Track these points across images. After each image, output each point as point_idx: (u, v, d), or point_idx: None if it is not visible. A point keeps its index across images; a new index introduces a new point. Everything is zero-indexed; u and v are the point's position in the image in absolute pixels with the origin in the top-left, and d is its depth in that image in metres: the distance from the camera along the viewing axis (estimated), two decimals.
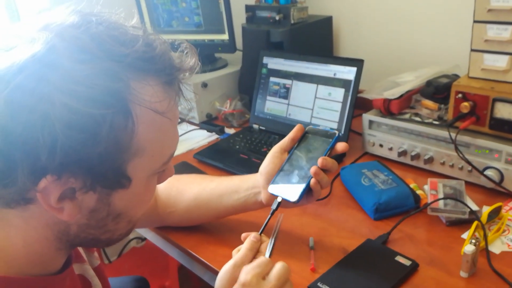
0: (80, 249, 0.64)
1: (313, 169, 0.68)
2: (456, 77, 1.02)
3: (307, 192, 0.70)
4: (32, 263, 0.49)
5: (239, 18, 1.40)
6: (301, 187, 0.69)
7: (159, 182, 0.55)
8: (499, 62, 0.91)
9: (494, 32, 0.90)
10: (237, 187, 0.78)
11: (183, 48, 0.50)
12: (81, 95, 0.40)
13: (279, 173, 0.72)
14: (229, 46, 1.40)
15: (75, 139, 0.40)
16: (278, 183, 0.71)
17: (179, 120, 1.44)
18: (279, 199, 0.69)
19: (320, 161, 0.69)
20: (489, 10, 0.88)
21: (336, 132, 0.73)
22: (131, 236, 1.83)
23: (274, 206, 0.69)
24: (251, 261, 0.59)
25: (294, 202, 0.69)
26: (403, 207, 0.87)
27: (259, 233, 0.63)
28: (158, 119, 0.46)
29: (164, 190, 0.84)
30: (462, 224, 0.82)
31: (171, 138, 0.50)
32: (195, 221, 0.86)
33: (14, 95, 0.39)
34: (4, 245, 0.47)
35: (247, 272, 0.56)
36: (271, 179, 0.72)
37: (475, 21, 0.91)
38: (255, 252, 0.61)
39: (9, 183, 0.42)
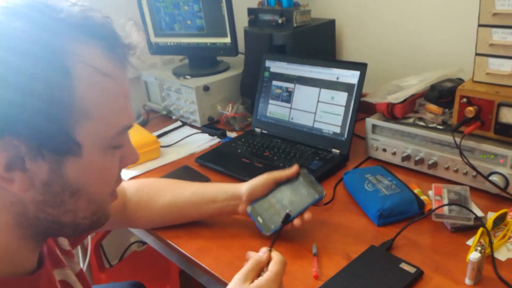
0: (58, 253, 0.63)
1: (297, 222, 0.79)
2: (460, 81, 1.01)
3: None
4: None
5: (242, 21, 1.39)
6: (275, 225, 0.80)
7: (122, 165, 0.54)
8: (504, 66, 0.90)
9: (499, 36, 0.89)
10: (214, 196, 0.82)
11: (129, 25, 0.51)
12: (16, 49, 0.41)
13: (262, 199, 0.83)
14: (231, 50, 1.40)
15: (11, 95, 0.40)
16: (257, 208, 0.82)
17: (181, 123, 1.45)
18: (287, 211, 0.79)
19: (306, 216, 0.79)
20: (494, 14, 0.87)
21: (324, 193, 0.81)
22: (132, 239, 1.82)
23: (281, 220, 0.79)
24: (257, 274, 0.64)
25: (264, 234, 0.80)
26: (408, 213, 0.86)
27: (269, 248, 0.67)
28: (101, 79, 0.46)
29: (133, 195, 0.85)
30: (467, 230, 0.80)
31: (120, 106, 0.49)
32: (167, 224, 0.88)
33: None
34: None
35: None
36: (252, 199, 0.81)
37: (480, 25, 0.90)
38: (263, 266, 0.64)
39: None
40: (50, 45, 0.42)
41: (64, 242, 0.67)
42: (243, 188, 0.81)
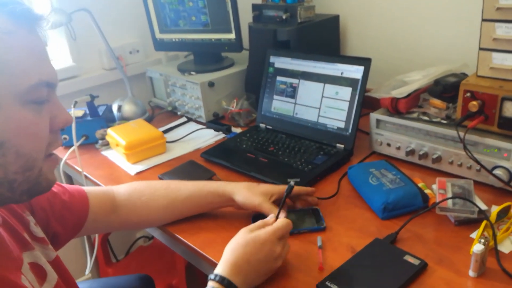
0: (27, 236, 0.64)
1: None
2: (464, 76, 1.02)
3: None
4: None
5: (246, 17, 1.40)
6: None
7: (55, 125, 0.57)
8: (508, 60, 0.90)
9: (502, 30, 0.89)
10: (211, 199, 0.88)
11: None
12: None
13: None
14: (236, 45, 1.40)
15: None
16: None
17: (186, 119, 1.46)
18: (292, 183, 0.82)
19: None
20: (498, 9, 0.88)
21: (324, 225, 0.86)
22: (138, 235, 1.84)
23: (288, 190, 0.82)
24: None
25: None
26: (412, 206, 0.86)
27: (276, 216, 0.77)
28: (4, 36, 0.51)
29: (127, 201, 0.87)
30: (471, 223, 0.81)
31: (30, 60, 0.53)
32: (166, 221, 0.91)
33: None
34: None
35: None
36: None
37: (483, 20, 0.91)
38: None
39: None
40: None
41: (36, 230, 0.68)
42: (237, 197, 0.87)
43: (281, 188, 0.86)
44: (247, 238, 0.71)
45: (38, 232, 0.69)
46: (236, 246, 0.71)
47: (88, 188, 0.86)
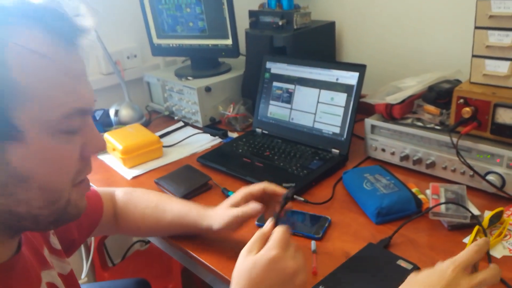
0: (46, 255, 0.63)
1: None
2: (458, 82, 1.03)
3: None
4: None
5: (243, 23, 1.41)
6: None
7: (86, 153, 0.52)
8: (501, 67, 0.91)
9: (495, 38, 0.90)
10: (193, 226, 0.83)
11: (82, 8, 0.51)
12: None
13: None
14: (233, 51, 1.42)
15: None
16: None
17: (183, 123, 1.46)
18: (289, 194, 0.74)
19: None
20: (490, 17, 0.89)
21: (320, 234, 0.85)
22: (135, 239, 1.84)
23: (283, 200, 0.73)
24: (262, 244, 0.62)
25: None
26: (405, 211, 0.87)
27: (273, 218, 0.67)
28: (39, 60, 0.45)
29: (123, 207, 0.87)
30: (464, 228, 0.82)
31: (64, 87, 0.47)
32: (156, 236, 0.93)
33: None
34: None
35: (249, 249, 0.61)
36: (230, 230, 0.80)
37: (476, 27, 0.92)
38: (268, 237, 0.63)
39: None
40: None
41: (55, 241, 0.67)
42: (216, 225, 0.79)
43: (253, 187, 0.81)
44: (250, 262, 0.59)
45: (56, 243, 0.67)
46: (241, 273, 0.60)
47: (99, 189, 0.86)
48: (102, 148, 0.54)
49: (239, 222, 0.78)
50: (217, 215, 0.80)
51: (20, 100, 0.44)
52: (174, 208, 0.85)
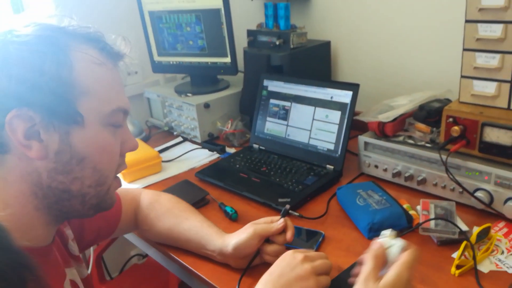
0: (66, 253, 0.67)
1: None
2: (448, 101, 1.06)
3: None
4: (15, 229, 0.52)
5: (241, 42, 1.45)
6: None
7: (124, 149, 0.63)
8: (488, 88, 0.95)
9: (482, 60, 0.94)
10: (204, 242, 0.84)
11: (119, 39, 0.64)
12: (29, 41, 0.53)
13: None
14: (231, 69, 1.46)
15: (25, 73, 0.51)
16: None
17: (182, 139, 1.49)
18: (287, 207, 0.83)
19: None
20: (478, 39, 0.92)
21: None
22: (133, 252, 1.85)
23: (282, 216, 0.82)
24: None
25: None
26: (396, 226, 0.89)
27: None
28: (95, 66, 0.58)
29: (146, 208, 0.91)
30: (453, 244, 0.84)
31: (114, 89, 0.60)
32: (167, 244, 0.92)
33: None
34: None
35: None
36: (240, 257, 0.81)
37: (464, 49, 0.95)
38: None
39: None
40: (53, 38, 0.55)
41: (73, 248, 0.72)
42: (230, 245, 0.80)
43: (265, 219, 0.84)
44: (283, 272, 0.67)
45: (75, 250, 0.72)
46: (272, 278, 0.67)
47: (120, 192, 0.90)
48: (135, 147, 0.65)
49: (258, 239, 0.80)
50: (229, 238, 0.82)
51: (83, 93, 0.55)
52: (192, 220, 0.88)
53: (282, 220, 0.80)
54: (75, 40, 0.57)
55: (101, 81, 0.58)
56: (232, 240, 0.81)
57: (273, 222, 0.82)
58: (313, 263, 0.70)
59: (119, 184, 0.65)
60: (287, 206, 0.83)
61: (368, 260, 0.64)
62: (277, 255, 0.75)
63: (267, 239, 0.82)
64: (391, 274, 0.61)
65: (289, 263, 0.68)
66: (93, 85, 0.57)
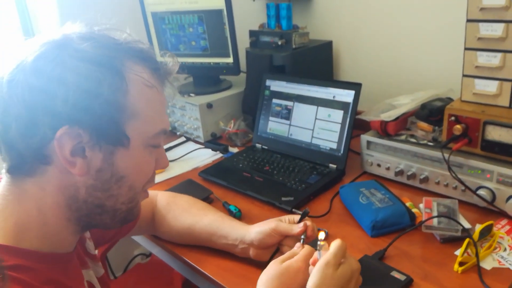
0: (85, 256, 0.68)
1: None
2: (450, 100, 1.07)
3: None
4: (43, 236, 0.55)
5: (243, 42, 1.46)
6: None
7: (157, 166, 0.64)
8: (490, 87, 0.95)
9: (484, 59, 0.94)
10: (226, 233, 0.85)
11: (167, 55, 0.65)
12: (87, 60, 0.53)
13: None
14: (234, 69, 1.46)
15: (81, 94, 0.52)
16: None
17: (185, 139, 1.50)
18: (307, 210, 0.82)
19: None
20: (479, 39, 0.93)
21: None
22: (136, 252, 1.86)
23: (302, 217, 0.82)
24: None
25: None
26: (399, 224, 0.90)
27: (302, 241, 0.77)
28: (147, 89, 0.58)
29: (163, 208, 0.92)
30: (455, 241, 0.85)
31: (160, 111, 0.61)
32: (185, 243, 0.92)
33: (39, 62, 0.52)
34: (18, 216, 0.54)
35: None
36: (260, 247, 0.81)
37: (466, 49, 0.96)
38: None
39: (31, 134, 0.52)
40: (111, 59, 0.55)
41: (90, 247, 0.73)
42: (252, 234, 0.81)
43: (289, 217, 0.84)
44: (280, 269, 0.68)
45: (91, 248, 0.73)
46: (270, 278, 0.67)
47: None
48: (166, 166, 0.66)
49: (278, 234, 0.80)
50: (252, 227, 0.83)
51: (133, 116, 0.56)
52: (211, 215, 0.89)
53: (302, 224, 0.80)
54: (130, 60, 0.56)
55: (150, 104, 0.58)
56: (254, 228, 0.82)
57: (295, 223, 0.81)
58: (352, 269, 0.66)
59: (146, 196, 0.66)
60: (307, 210, 0.82)
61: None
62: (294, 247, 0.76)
63: None
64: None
65: (338, 281, 0.63)
66: (143, 109, 0.57)
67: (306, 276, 0.66)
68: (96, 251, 0.77)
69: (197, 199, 0.96)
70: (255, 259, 0.83)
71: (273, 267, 0.68)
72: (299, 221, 0.81)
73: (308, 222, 0.80)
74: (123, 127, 0.55)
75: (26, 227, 0.54)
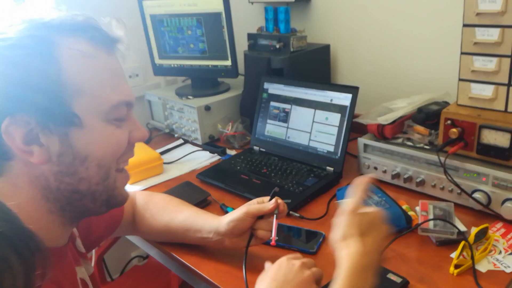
0: (77, 253, 0.69)
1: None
2: (446, 104, 1.08)
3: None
4: None
5: (242, 45, 1.47)
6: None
7: (132, 139, 0.62)
8: (485, 91, 0.96)
9: (480, 63, 0.95)
10: (200, 227, 0.86)
11: (113, 22, 0.61)
12: (13, 46, 0.51)
13: None
14: (232, 72, 1.47)
15: (12, 78, 0.50)
16: None
17: (183, 141, 1.51)
18: (276, 189, 0.83)
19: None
20: (475, 43, 0.94)
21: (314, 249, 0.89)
22: (133, 254, 1.86)
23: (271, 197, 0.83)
24: None
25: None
26: (396, 227, 0.91)
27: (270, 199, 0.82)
28: (87, 61, 0.55)
29: (141, 208, 0.92)
30: (451, 244, 0.86)
31: (112, 82, 0.57)
32: (165, 241, 0.93)
33: None
34: None
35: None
36: (235, 234, 0.82)
37: (462, 53, 0.97)
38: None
39: None
40: (37, 38, 0.52)
41: (80, 245, 0.72)
42: (225, 222, 0.83)
43: (258, 199, 0.85)
44: (285, 262, 0.71)
45: (81, 247, 0.73)
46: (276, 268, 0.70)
47: None
48: (144, 136, 0.64)
49: (251, 216, 0.81)
50: (223, 217, 0.84)
51: (76, 92, 0.53)
52: (186, 211, 0.90)
53: (273, 200, 0.81)
54: (61, 34, 0.54)
55: (94, 77, 0.55)
56: (226, 217, 0.83)
57: (265, 203, 0.83)
58: (311, 270, 0.71)
59: (126, 179, 0.65)
60: (276, 189, 0.83)
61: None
62: (269, 229, 0.80)
63: (260, 217, 0.83)
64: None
65: (290, 269, 0.69)
66: (86, 83, 0.54)
67: (304, 275, 0.69)
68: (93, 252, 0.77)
69: (173, 196, 0.96)
70: (231, 249, 0.85)
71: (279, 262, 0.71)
72: (270, 200, 0.83)
73: (279, 199, 0.81)
74: (69, 106, 0.53)
75: None
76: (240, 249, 0.84)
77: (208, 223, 0.85)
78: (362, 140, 1.13)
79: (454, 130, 0.96)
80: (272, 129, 1.32)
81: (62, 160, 0.54)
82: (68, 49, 0.53)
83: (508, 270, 0.79)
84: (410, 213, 0.94)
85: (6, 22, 0.53)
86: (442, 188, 1.00)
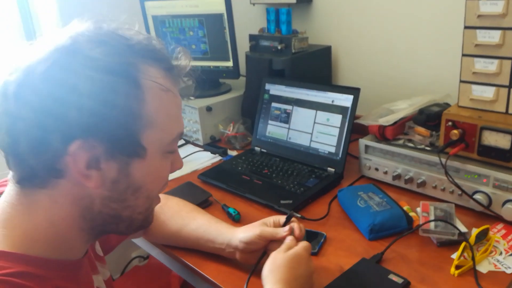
0: (94, 259, 0.68)
1: None
2: (447, 105, 1.08)
3: None
4: (53, 245, 0.54)
5: (243, 46, 1.47)
6: None
7: (172, 169, 0.62)
8: (486, 93, 0.97)
9: (481, 65, 0.96)
10: (213, 238, 0.85)
11: (179, 50, 0.61)
12: (101, 69, 0.49)
13: None
14: (233, 73, 1.47)
15: (96, 105, 0.49)
16: None
17: (184, 141, 1.51)
18: (292, 213, 0.82)
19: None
20: (476, 45, 0.94)
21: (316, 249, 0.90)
22: (134, 254, 1.86)
23: (286, 221, 0.82)
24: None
25: None
26: (397, 228, 0.91)
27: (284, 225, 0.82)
28: (164, 94, 0.54)
29: (156, 211, 0.90)
30: (452, 245, 0.86)
31: (176, 116, 0.58)
32: (177, 246, 0.92)
33: (49, 73, 0.49)
34: (27, 226, 0.53)
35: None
36: (246, 252, 0.81)
37: (463, 55, 0.97)
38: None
39: (43, 150, 0.49)
40: (126, 65, 0.51)
41: (98, 247, 0.73)
42: (238, 238, 0.81)
43: (274, 218, 0.84)
44: (287, 257, 0.71)
45: (99, 250, 0.73)
46: (278, 266, 0.70)
47: None
48: (181, 167, 0.65)
49: (263, 240, 0.80)
50: (237, 231, 0.83)
51: (149, 124, 0.53)
52: (199, 219, 0.88)
53: (287, 227, 0.80)
54: (145, 63, 0.53)
55: (166, 110, 0.55)
56: (240, 234, 0.82)
57: (280, 224, 0.82)
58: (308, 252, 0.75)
59: (159, 201, 0.64)
60: (292, 212, 0.82)
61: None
62: None
63: None
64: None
65: (307, 264, 0.74)
66: (159, 117, 0.54)
67: (309, 263, 0.73)
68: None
69: (187, 201, 0.96)
70: (242, 262, 0.84)
71: (278, 256, 0.72)
72: (284, 224, 0.81)
73: (295, 224, 0.80)
74: (139, 137, 0.53)
75: (35, 237, 0.53)
76: (250, 262, 0.83)
77: (221, 234, 0.84)
78: (363, 141, 1.13)
79: (455, 131, 0.96)
80: (273, 130, 1.32)
81: (115, 187, 0.53)
82: (151, 82, 0.53)
83: (508, 271, 0.79)
84: (411, 214, 0.95)
85: (84, 36, 0.52)
86: (443, 189, 1.00)
